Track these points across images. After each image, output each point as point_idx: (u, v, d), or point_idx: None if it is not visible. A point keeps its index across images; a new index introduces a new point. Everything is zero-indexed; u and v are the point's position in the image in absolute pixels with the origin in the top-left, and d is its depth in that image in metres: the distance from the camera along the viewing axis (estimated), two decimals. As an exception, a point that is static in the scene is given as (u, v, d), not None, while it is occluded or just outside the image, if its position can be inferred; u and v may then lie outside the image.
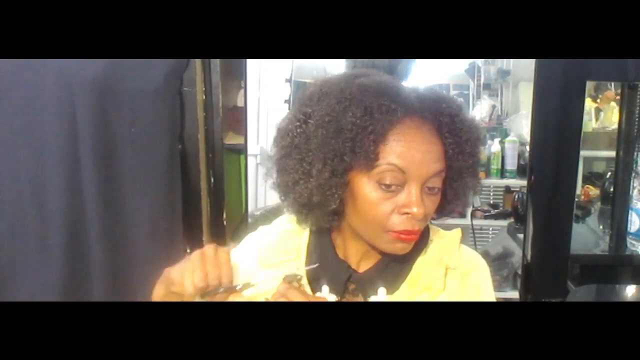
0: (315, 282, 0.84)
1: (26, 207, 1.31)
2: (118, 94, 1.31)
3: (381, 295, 0.83)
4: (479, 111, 3.76)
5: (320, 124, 0.76)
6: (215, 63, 1.48)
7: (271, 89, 3.05)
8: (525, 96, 3.41)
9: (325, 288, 0.83)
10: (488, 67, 3.69)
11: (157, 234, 1.40)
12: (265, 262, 0.88)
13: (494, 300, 0.87)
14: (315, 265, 0.84)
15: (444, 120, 0.78)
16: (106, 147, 1.32)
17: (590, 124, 3.05)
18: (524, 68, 3.36)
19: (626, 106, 1.58)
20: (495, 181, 3.39)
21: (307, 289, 0.84)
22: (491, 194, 3.64)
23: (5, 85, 1.27)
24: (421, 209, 0.76)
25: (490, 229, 3.53)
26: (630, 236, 1.61)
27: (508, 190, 3.36)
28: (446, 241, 0.87)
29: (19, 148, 1.29)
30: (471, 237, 3.14)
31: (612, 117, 2.84)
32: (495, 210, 3.32)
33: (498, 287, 3.28)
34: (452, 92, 4.05)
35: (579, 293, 1.47)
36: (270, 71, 3.07)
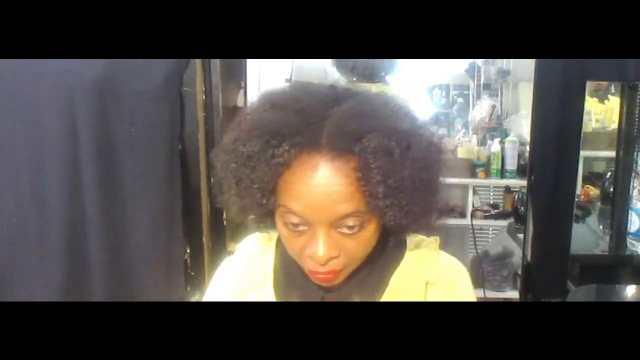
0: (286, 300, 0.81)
1: (26, 207, 1.31)
2: (118, 94, 1.31)
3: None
4: (479, 111, 3.76)
5: (230, 155, 0.71)
6: (215, 63, 1.48)
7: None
8: (525, 96, 3.41)
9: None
10: (488, 67, 3.69)
11: (157, 234, 1.40)
12: (237, 291, 0.83)
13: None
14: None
15: (358, 159, 0.66)
16: (106, 147, 1.32)
17: (590, 124, 3.05)
18: (524, 68, 3.36)
19: (626, 106, 1.58)
20: (495, 181, 3.39)
21: None
22: (491, 194, 3.64)
23: (5, 85, 1.27)
24: (324, 253, 0.69)
25: (490, 229, 3.54)
26: (630, 236, 1.61)
27: (508, 190, 3.36)
28: (423, 252, 0.81)
29: (19, 148, 1.29)
30: (471, 237, 3.14)
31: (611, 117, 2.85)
32: (495, 210, 3.32)
33: (498, 287, 3.29)
34: (452, 92, 4.06)
35: (579, 293, 1.46)
36: (270, 71, 3.07)
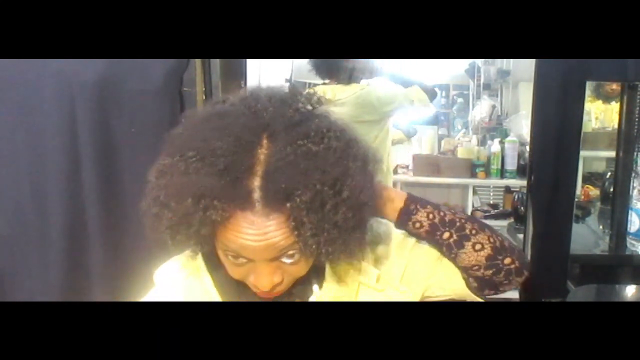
0: (226, 298, 0.82)
1: (26, 207, 1.31)
2: (118, 94, 1.31)
3: (316, 292, 0.82)
4: (479, 111, 3.76)
5: (164, 209, 0.70)
6: (215, 63, 1.48)
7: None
8: (525, 96, 3.41)
9: None
10: (488, 67, 3.70)
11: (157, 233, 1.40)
12: None
13: (400, 232, 0.87)
14: None
15: (293, 212, 0.67)
16: (106, 147, 1.31)
17: (590, 124, 3.05)
18: (524, 68, 3.37)
19: (626, 106, 1.58)
20: (495, 181, 3.39)
21: None
22: (491, 194, 3.64)
23: (5, 85, 1.27)
24: (267, 284, 0.72)
25: (490, 229, 3.53)
26: (630, 236, 1.61)
27: (508, 190, 3.36)
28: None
29: (19, 148, 1.29)
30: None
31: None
32: (495, 210, 3.33)
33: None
34: (452, 92, 4.06)
35: (579, 293, 1.46)
36: (270, 71, 3.08)
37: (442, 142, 3.75)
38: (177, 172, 0.69)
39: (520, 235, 1.78)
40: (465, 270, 0.84)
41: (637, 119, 1.58)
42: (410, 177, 3.44)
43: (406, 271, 0.85)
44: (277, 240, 0.69)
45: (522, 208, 1.97)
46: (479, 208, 3.37)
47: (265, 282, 0.72)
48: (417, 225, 0.84)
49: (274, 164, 0.67)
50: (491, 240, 0.83)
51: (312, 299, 0.82)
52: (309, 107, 0.75)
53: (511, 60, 3.58)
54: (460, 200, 3.59)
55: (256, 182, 0.67)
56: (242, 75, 1.64)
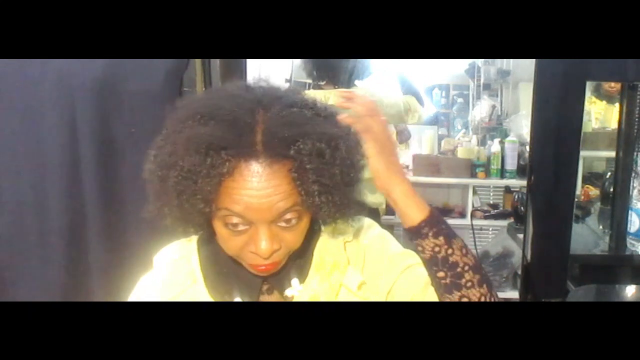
0: (225, 294, 0.83)
1: (26, 207, 1.31)
2: (118, 94, 1.31)
3: (295, 286, 0.83)
4: (479, 111, 3.76)
5: (169, 169, 0.73)
6: (215, 63, 1.48)
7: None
8: (525, 96, 3.42)
9: (237, 299, 0.83)
10: (488, 67, 3.70)
11: (157, 233, 1.40)
12: (165, 297, 0.84)
13: (399, 248, 0.88)
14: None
15: (294, 162, 0.71)
16: (106, 147, 1.32)
17: (590, 124, 3.05)
18: (524, 68, 3.37)
19: (626, 106, 1.58)
20: (495, 181, 3.40)
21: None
22: (491, 194, 3.65)
23: (5, 85, 1.27)
24: (267, 248, 0.74)
25: (490, 229, 3.54)
26: (630, 236, 1.61)
27: (508, 190, 3.37)
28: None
29: (19, 148, 1.29)
30: (471, 237, 3.14)
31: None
32: (495, 210, 3.33)
33: (498, 287, 3.29)
34: (452, 93, 4.06)
35: (579, 293, 1.46)
36: (270, 71, 3.07)
37: (442, 142, 3.75)
38: (182, 134, 0.71)
39: (520, 235, 1.78)
40: (440, 298, 0.84)
41: (637, 119, 1.58)
42: (410, 177, 3.44)
43: (393, 288, 0.84)
44: (279, 198, 0.71)
45: (522, 208, 1.98)
46: (479, 208, 3.37)
47: (265, 246, 0.74)
48: (420, 249, 0.84)
49: (273, 123, 0.72)
50: (482, 299, 0.82)
51: (290, 292, 0.83)
52: (291, 89, 0.81)
53: (511, 60, 3.58)
54: (460, 200, 3.59)
55: (258, 137, 0.71)
56: (242, 75, 1.64)
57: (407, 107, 2.62)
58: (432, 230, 0.83)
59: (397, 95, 2.62)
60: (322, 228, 0.86)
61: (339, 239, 0.85)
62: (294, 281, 0.83)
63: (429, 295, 0.84)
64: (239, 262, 0.80)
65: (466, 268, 0.82)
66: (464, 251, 0.83)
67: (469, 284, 0.82)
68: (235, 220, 0.73)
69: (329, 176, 0.72)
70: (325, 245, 0.85)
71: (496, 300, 0.84)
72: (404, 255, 0.86)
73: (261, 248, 0.74)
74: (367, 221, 0.89)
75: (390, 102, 2.59)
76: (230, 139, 0.70)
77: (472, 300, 0.81)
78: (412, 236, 0.84)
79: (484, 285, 0.83)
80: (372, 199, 2.60)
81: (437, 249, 0.82)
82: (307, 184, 0.71)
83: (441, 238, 0.83)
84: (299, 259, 0.84)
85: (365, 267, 0.85)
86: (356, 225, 0.86)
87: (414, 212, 0.84)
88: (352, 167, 0.75)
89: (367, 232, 0.88)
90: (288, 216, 0.74)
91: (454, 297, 0.82)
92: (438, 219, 0.84)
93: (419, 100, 2.67)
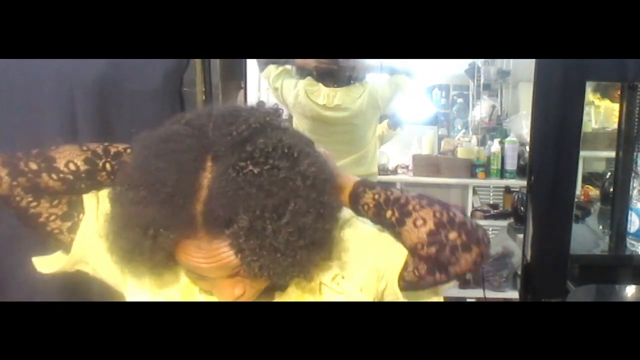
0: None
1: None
2: (118, 94, 1.31)
3: (277, 296, 0.82)
4: (479, 111, 3.76)
5: (117, 235, 0.73)
6: (215, 63, 1.48)
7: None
8: (525, 96, 3.41)
9: None
10: (488, 67, 3.70)
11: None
12: (159, 286, 0.83)
13: (367, 226, 0.86)
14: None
15: (233, 239, 0.69)
16: (106, 147, 1.32)
17: (590, 124, 3.05)
18: (524, 68, 3.37)
19: (626, 106, 1.58)
20: (495, 181, 3.39)
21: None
22: (491, 194, 3.64)
23: (5, 85, 1.27)
24: (229, 298, 0.75)
25: (490, 229, 3.54)
26: (630, 236, 1.61)
27: (508, 190, 3.37)
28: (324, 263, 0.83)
29: (19, 148, 1.29)
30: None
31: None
32: (495, 211, 3.33)
33: (498, 287, 3.29)
34: (452, 93, 4.06)
35: (579, 293, 1.46)
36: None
37: (442, 143, 3.75)
38: (126, 201, 0.70)
39: (520, 236, 1.78)
40: (411, 253, 0.80)
41: (637, 119, 1.58)
42: (410, 177, 3.44)
43: (366, 277, 0.83)
44: (227, 262, 0.71)
45: (522, 208, 1.97)
46: (479, 208, 3.37)
47: (227, 295, 0.75)
48: (365, 207, 0.82)
49: (216, 190, 0.68)
50: (437, 215, 0.78)
51: (279, 292, 0.83)
52: (255, 124, 0.72)
53: (511, 60, 3.58)
54: (460, 200, 3.59)
55: (199, 208, 0.68)
56: (242, 75, 1.64)
57: (394, 89, 2.67)
58: (367, 187, 0.83)
59: (386, 81, 2.68)
60: None
61: None
62: (277, 294, 0.83)
63: (398, 253, 0.81)
64: None
65: (409, 198, 0.80)
66: (403, 190, 0.83)
67: (417, 206, 0.79)
68: (190, 272, 0.75)
69: (271, 252, 0.68)
70: None
71: (457, 215, 0.79)
72: (370, 231, 0.85)
73: (224, 298, 0.75)
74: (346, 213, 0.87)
75: (388, 93, 2.64)
76: (168, 216, 0.67)
77: (428, 220, 0.77)
78: (355, 203, 0.83)
79: (435, 205, 0.80)
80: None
81: (376, 196, 0.81)
82: (246, 261, 0.69)
83: (377, 187, 0.83)
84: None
85: (341, 258, 0.83)
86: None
87: (345, 182, 0.84)
88: (302, 233, 0.69)
89: (347, 225, 0.86)
90: (239, 273, 0.73)
91: (409, 225, 0.78)
92: (367, 182, 0.85)
93: (407, 74, 2.70)
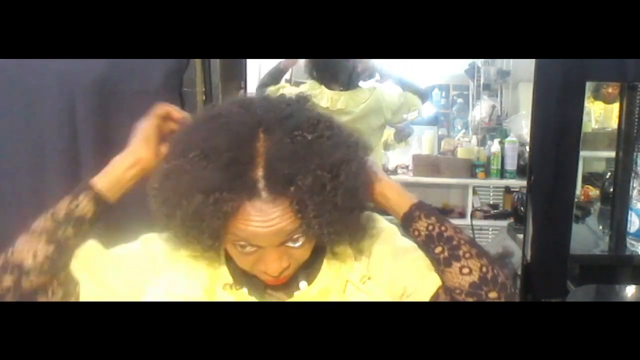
0: (237, 277, 0.85)
1: (26, 207, 1.31)
2: (118, 94, 1.31)
3: (303, 287, 0.84)
4: (479, 111, 3.76)
5: (175, 208, 0.73)
6: (215, 63, 1.48)
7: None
8: (525, 96, 3.41)
9: (244, 290, 0.83)
10: (488, 67, 3.70)
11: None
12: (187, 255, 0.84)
13: (408, 242, 0.88)
14: None
15: (296, 196, 0.71)
16: (106, 147, 1.31)
17: (590, 124, 3.05)
18: (524, 68, 3.37)
19: (626, 106, 1.58)
20: (495, 181, 3.39)
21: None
22: (491, 194, 3.64)
23: (5, 85, 1.27)
24: (276, 269, 0.76)
25: (490, 229, 3.54)
26: (630, 236, 1.61)
27: (508, 190, 3.37)
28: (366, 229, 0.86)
29: (19, 148, 1.29)
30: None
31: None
32: (495, 211, 3.33)
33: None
34: (452, 93, 4.06)
35: (579, 293, 1.46)
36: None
37: (442, 143, 3.75)
38: (184, 172, 0.72)
39: (520, 236, 1.78)
40: (448, 291, 0.82)
41: (637, 119, 1.58)
42: (410, 178, 3.44)
43: (398, 281, 0.85)
44: (284, 225, 0.72)
45: (522, 208, 1.98)
46: (479, 208, 3.37)
47: (275, 267, 0.76)
48: (416, 233, 0.84)
49: (274, 154, 0.71)
50: (483, 269, 0.80)
51: (297, 293, 0.83)
52: (297, 102, 0.79)
53: (511, 60, 3.58)
54: (460, 200, 3.59)
55: (259, 172, 0.71)
56: (242, 75, 1.64)
57: (403, 103, 2.66)
58: (423, 212, 0.84)
59: (396, 91, 2.65)
60: None
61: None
62: (302, 284, 0.84)
63: (432, 282, 0.84)
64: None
65: (462, 242, 0.82)
66: (457, 229, 0.84)
67: (467, 254, 0.81)
68: (242, 243, 0.75)
69: (330, 208, 0.72)
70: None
71: (501, 274, 0.81)
72: (409, 248, 0.87)
73: (270, 270, 0.76)
74: (374, 216, 0.89)
75: (395, 106, 2.62)
76: (230, 181, 0.70)
77: (474, 271, 0.80)
78: (406, 223, 0.85)
79: (484, 258, 0.82)
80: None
81: (430, 227, 0.83)
82: (308, 218, 0.72)
83: (433, 218, 0.84)
84: (310, 260, 0.83)
85: (371, 261, 0.86)
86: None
87: (403, 200, 0.85)
88: (355, 193, 0.74)
89: (374, 226, 0.87)
90: (295, 236, 0.75)
91: (455, 269, 0.80)
92: (426, 204, 0.86)
93: (421, 97, 2.70)
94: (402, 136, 3.21)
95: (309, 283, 0.84)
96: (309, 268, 0.85)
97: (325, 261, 0.85)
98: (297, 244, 0.76)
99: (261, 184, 0.71)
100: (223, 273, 0.84)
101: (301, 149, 0.72)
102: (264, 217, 0.71)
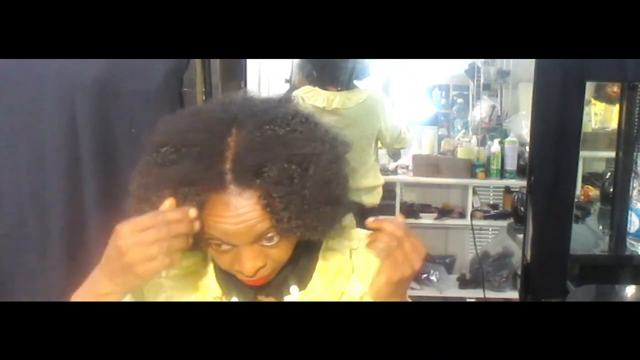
0: (226, 290, 0.84)
1: (26, 207, 1.31)
2: (118, 94, 1.31)
3: (294, 293, 0.83)
4: (479, 112, 3.76)
5: (144, 203, 0.74)
6: (215, 63, 1.48)
7: (271, 89, 3.05)
8: (525, 96, 3.41)
9: (234, 299, 0.83)
10: (488, 67, 3.69)
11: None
12: (174, 270, 0.84)
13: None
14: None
15: (263, 187, 0.70)
16: (106, 147, 1.32)
17: (590, 124, 3.05)
18: (524, 68, 3.36)
19: (626, 106, 1.58)
20: (495, 181, 3.39)
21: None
22: (491, 194, 3.64)
23: (5, 85, 1.27)
24: (250, 267, 0.74)
25: (490, 229, 3.54)
26: (630, 236, 1.61)
27: (508, 190, 3.36)
28: (342, 227, 0.84)
29: (19, 148, 1.29)
30: (471, 237, 3.14)
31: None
32: (495, 211, 3.32)
33: (498, 287, 3.29)
34: (452, 93, 4.06)
35: (579, 293, 1.46)
36: (270, 71, 3.08)
37: (442, 143, 3.75)
38: (155, 166, 0.73)
39: (520, 236, 1.78)
40: None
41: (637, 119, 1.58)
42: (410, 178, 3.44)
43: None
44: (254, 223, 0.72)
45: (522, 208, 1.98)
46: (478, 208, 3.37)
47: (248, 266, 0.74)
48: None
49: (243, 147, 0.71)
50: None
51: (288, 298, 0.83)
52: (277, 101, 0.80)
53: (511, 60, 3.57)
54: (460, 200, 3.59)
55: (227, 165, 0.71)
56: (242, 75, 1.64)
57: (401, 134, 2.75)
58: None
59: (400, 122, 2.73)
60: None
61: (345, 245, 0.86)
62: (293, 288, 0.83)
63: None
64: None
65: None
66: None
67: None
68: (216, 241, 0.74)
69: (298, 200, 0.71)
70: (330, 250, 0.85)
71: None
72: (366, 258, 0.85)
73: (244, 268, 0.75)
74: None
75: (393, 125, 2.67)
76: (198, 174, 0.70)
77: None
78: None
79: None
80: (367, 199, 2.61)
81: None
82: (276, 211, 0.71)
83: None
84: (300, 265, 0.84)
85: (372, 276, 0.83)
86: (361, 235, 0.85)
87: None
88: (324, 186, 0.73)
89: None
90: (269, 235, 0.74)
91: None
92: None
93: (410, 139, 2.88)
94: (393, 155, 3.31)
95: (301, 288, 0.83)
96: (299, 272, 0.84)
97: (317, 268, 0.84)
98: (271, 243, 0.75)
99: (229, 176, 0.70)
100: (211, 286, 0.84)
101: (270, 141, 0.71)
102: (233, 212, 0.71)
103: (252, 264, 0.74)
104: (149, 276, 0.70)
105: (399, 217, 0.79)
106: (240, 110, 0.75)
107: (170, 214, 0.69)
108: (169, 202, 0.70)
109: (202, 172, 0.70)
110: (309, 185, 0.71)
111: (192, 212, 0.69)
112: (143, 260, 0.68)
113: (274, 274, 0.80)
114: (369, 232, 0.84)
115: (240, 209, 0.71)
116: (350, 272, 0.84)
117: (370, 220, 0.77)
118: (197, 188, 0.70)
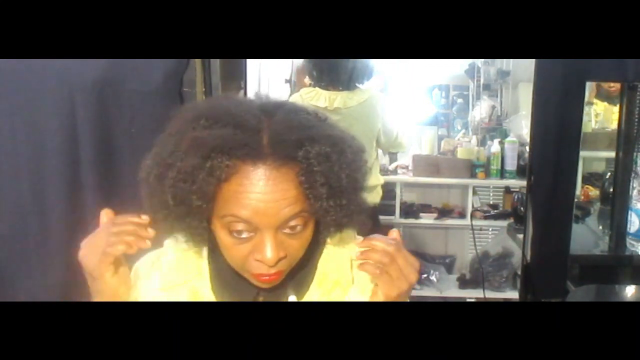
0: (221, 299, 0.83)
1: (26, 207, 1.31)
2: (118, 94, 1.31)
3: (293, 300, 0.81)
4: (479, 112, 3.76)
5: (167, 169, 0.73)
6: (215, 64, 1.48)
7: (271, 90, 3.05)
8: (525, 97, 3.41)
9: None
10: (488, 67, 3.69)
11: (156, 234, 1.40)
12: (169, 284, 0.84)
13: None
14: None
15: (302, 165, 0.71)
16: (106, 148, 1.32)
17: (590, 124, 3.05)
18: (524, 68, 3.36)
19: (626, 106, 1.58)
20: (495, 181, 3.39)
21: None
22: (491, 194, 3.64)
23: (5, 85, 1.27)
24: (273, 255, 0.72)
25: (490, 229, 3.54)
26: (630, 236, 1.61)
27: (508, 190, 3.36)
28: (343, 235, 0.83)
29: (19, 148, 1.29)
30: (471, 237, 3.14)
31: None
32: (495, 211, 3.33)
33: (498, 288, 3.29)
34: (452, 93, 4.06)
35: (579, 293, 1.46)
36: (270, 71, 3.07)
37: (442, 143, 3.75)
38: (188, 132, 0.72)
39: (520, 236, 1.78)
40: None
41: (637, 119, 1.58)
42: (410, 178, 3.44)
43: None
44: (286, 203, 0.71)
45: (521, 208, 1.98)
46: (478, 208, 3.37)
47: (271, 253, 0.72)
48: None
49: (280, 125, 0.72)
50: None
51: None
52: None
53: (511, 61, 3.57)
54: (460, 200, 3.59)
55: (266, 138, 0.71)
56: (242, 75, 1.64)
57: (397, 138, 2.73)
58: None
59: (396, 125, 2.71)
60: (328, 240, 0.83)
61: (345, 255, 0.84)
62: (291, 297, 0.81)
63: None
64: (238, 275, 0.79)
65: None
66: None
67: None
68: (240, 227, 0.72)
69: (336, 179, 0.72)
70: (330, 259, 0.84)
71: None
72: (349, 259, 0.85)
73: (267, 255, 0.72)
74: None
75: (390, 127, 2.67)
76: (237, 140, 0.69)
77: None
78: None
79: None
80: (367, 198, 2.60)
81: None
82: (316, 187, 0.71)
83: None
84: (299, 273, 0.82)
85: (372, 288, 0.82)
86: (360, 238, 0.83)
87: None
88: (357, 171, 0.76)
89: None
90: (293, 223, 0.73)
91: None
92: None
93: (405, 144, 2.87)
94: (392, 159, 3.32)
95: (298, 298, 0.82)
96: (298, 281, 0.82)
97: (315, 277, 0.83)
98: (294, 232, 0.74)
99: (267, 149, 0.70)
100: (206, 297, 0.83)
101: (306, 123, 0.74)
102: (268, 187, 0.70)
103: (276, 252, 0.72)
104: (98, 271, 0.79)
105: (392, 232, 0.78)
106: (265, 101, 0.78)
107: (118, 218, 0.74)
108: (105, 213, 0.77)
109: (242, 139, 0.69)
110: (345, 166, 0.73)
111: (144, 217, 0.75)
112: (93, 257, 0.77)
113: (286, 272, 0.78)
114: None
115: (277, 184, 0.70)
116: (349, 284, 0.83)
117: (359, 241, 0.78)
118: (230, 156, 0.69)
